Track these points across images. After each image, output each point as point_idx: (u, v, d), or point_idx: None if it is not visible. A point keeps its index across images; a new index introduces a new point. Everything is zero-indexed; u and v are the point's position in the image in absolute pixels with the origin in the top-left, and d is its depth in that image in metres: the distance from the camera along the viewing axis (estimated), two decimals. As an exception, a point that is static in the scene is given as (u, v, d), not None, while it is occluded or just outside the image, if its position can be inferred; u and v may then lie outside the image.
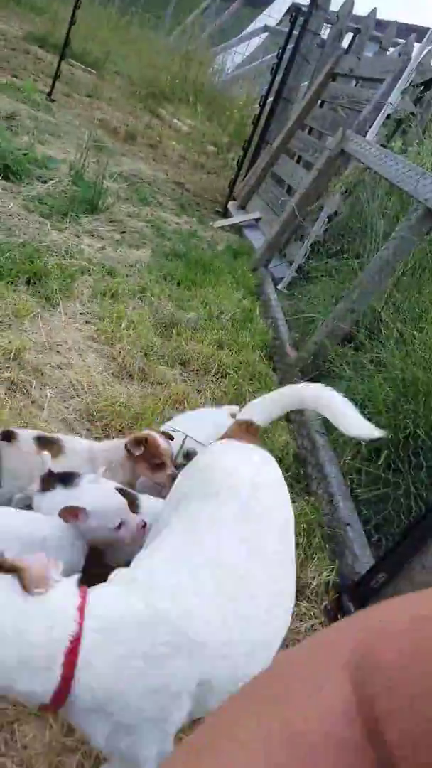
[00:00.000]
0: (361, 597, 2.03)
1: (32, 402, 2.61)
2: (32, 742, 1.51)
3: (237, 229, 6.32)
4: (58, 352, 3.02)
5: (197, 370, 3.41)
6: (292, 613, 1.33)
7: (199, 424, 2.39)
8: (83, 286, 3.68)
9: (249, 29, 15.74)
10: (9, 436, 1.93)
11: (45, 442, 1.96)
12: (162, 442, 2.12)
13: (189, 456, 2.23)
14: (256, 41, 15.19)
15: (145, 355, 3.28)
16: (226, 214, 6.74)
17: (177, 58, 11.70)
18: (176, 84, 10.63)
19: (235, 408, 2.49)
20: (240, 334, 3.95)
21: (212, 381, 3.37)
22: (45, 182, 4.80)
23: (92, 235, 4.46)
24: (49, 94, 7.43)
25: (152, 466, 2.10)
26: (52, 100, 7.35)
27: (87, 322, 3.39)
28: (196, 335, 3.73)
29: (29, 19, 10.63)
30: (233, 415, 2.22)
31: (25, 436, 1.97)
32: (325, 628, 2.04)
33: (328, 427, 2.97)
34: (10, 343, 2.81)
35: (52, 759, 1.49)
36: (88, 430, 2.60)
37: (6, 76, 7.20)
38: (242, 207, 6.81)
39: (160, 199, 6.10)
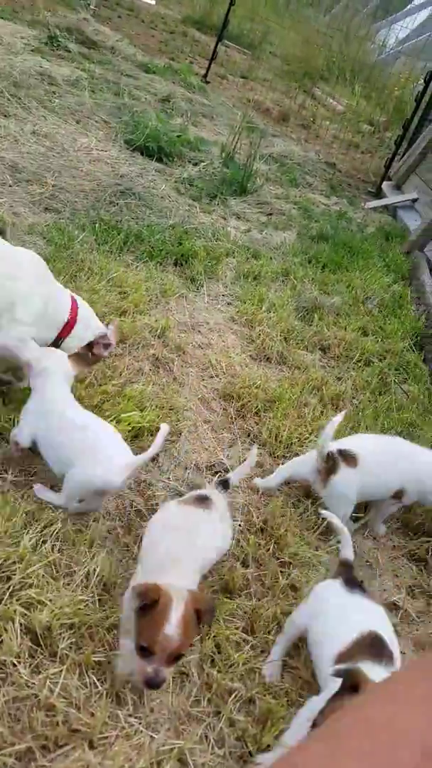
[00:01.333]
0: None
1: (174, 379, 2.66)
2: (159, 706, 1.54)
3: (391, 210, 5.98)
4: (199, 332, 3.05)
5: (338, 357, 3.28)
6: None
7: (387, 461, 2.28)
8: (227, 268, 3.67)
9: (417, 1, 14.72)
10: None
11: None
12: None
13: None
14: (424, 14, 14.17)
15: (285, 338, 3.21)
16: (379, 194, 6.42)
17: (336, 35, 11.29)
18: (333, 62, 10.26)
19: None
20: (387, 321, 3.73)
21: (354, 369, 3.22)
22: (196, 164, 4.85)
23: (239, 217, 4.45)
24: (205, 76, 7.52)
25: None
26: (207, 82, 7.43)
27: (229, 303, 3.38)
28: (339, 320, 3.58)
29: (188, 1, 10.80)
30: None
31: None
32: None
33: None
34: (156, 321, 2.89)
35: (176, 726, 1.52)
36: (224, 409, 2.60)
37: (164, 59, 7.39)
38: (398, 187, 6.43)
39: (310, 180, 5.95)
